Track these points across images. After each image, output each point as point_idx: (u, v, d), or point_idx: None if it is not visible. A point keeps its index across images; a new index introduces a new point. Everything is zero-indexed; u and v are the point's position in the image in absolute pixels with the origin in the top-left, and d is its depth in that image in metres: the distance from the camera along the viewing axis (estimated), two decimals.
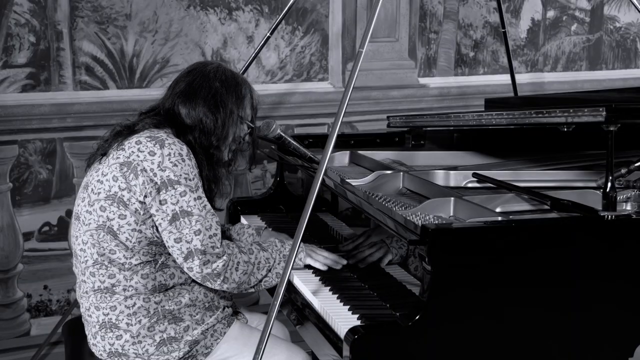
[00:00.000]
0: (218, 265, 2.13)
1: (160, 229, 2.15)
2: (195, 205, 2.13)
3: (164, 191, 2.12)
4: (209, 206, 2.17)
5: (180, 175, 2.13)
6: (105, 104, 3.39)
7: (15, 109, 3.27)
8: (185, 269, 2.15)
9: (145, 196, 2.13)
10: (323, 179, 2.05)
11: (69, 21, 3.31)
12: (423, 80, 4.00)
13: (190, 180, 2.14)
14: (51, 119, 3.33)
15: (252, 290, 2.26)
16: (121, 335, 2.20)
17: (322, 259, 2.35)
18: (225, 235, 2.56)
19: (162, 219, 2.13)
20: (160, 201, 2.12)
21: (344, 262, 2.35)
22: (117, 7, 3.37)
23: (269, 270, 2.26)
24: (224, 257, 2.14)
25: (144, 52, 3.44)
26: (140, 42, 3.43)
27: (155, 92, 3.26)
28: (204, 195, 2.18)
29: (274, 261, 2.27)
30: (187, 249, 2.12)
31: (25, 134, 3.31)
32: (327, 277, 2.32)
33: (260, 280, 2.25)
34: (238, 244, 2.24)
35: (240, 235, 2.57)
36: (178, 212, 2.12)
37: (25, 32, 3.26)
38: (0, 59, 3.24)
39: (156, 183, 2.12)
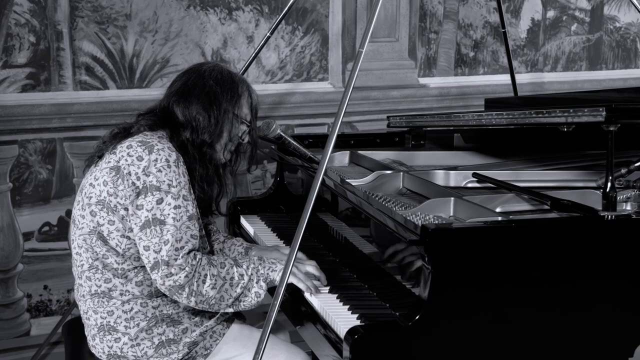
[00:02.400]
0: (180, 277, 2.07)
1: (132, 234, 2.13)
2: (170, 214, 2.09)
3: (142, 196, 2.10)
4: (185, 217, 2.11)
5: (164, 181, 2.11)
6: (105, 104, 3.39)
7: (15, 109, 3.27)
8: (153, 280, 2.12)
9: (126, 199, 2.12)
10: (323, 179, 2.05)
11: (69, 21, 3.31)
12: (423, 80, 4.00)
13: (172, 187, 2.11)
14: (51, 119, 3.33)
15: (231, 310, 2.18)
16: (119, 338, 2.19)
17: (303, 277, 2.21)
18: (215, 247, 2.53)
19: (134, 223, 2.11)
20: (137, 206, 2.11)
21: (319, 274, 2.24)
22: (117, 7, 3.37)
23: (245, 288, 2.17)
24: (187, 269, 2.08)
25: (144, 52, 3.44)
26: (140, 42, 3.43)
27: (155, 92, 3.27)
28: (187, 204, 2.13)
29: (249, 279, 2.18)
30: (154, 259, 2.08)
31: (25, 134, 3.31)
32: (327, 277, 2.31)
33: (237, 299, 2.16)
34: (210, 257, 2.17)
35: (230, 252, 2.51)
36: (150, 219, 2.09)
37: (25, 32, 3.26)
38: (0, 59, 3.24)
39: (137, 187, 2.11)
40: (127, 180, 2.11)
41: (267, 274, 2.22)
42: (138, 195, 2.11)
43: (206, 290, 2.12)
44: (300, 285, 2.22)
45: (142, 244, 2.10)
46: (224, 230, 3.07)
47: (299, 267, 2.25)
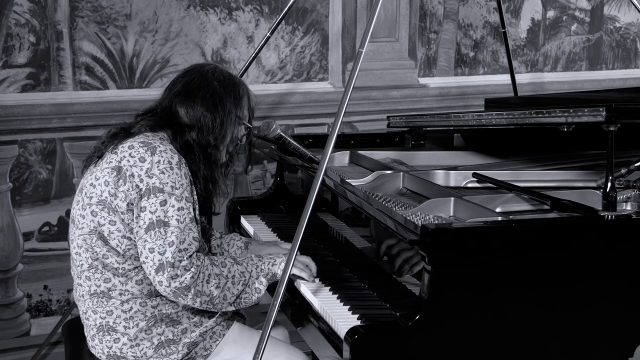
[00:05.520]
0: (186, 278, 2.08)
1: (136, 237, 2.12)
2: (174, 216, 2.10)
3: (145, 198, 2.10)
4: (189, 219, 2.13)
5: (167, 183, 2.11)
6: (105, 104, 3.39)
7: (15, 109, 3.27)
8: (156, 284, 2.10)
9: (131, 203, 2.12)
10: (323, 179, 2.05)
11: (69, 21, 3.31)
12: (423, 80, 4.00)
13: (175, 189, 2.11)
14: (51, 119, 3.33)
15: (232, 308, 2.20)
16: (119, 338, 2.19)
17: (302, 266, 2.28)
18: (212, 244, 2.55)
19: (139, 226, 2.10)
20: (140, 208, 2.10)
21: (311, 264, 2.29)
22: (117, 7, 3.37)
23: (246, 285, 2.20)
24: (192, 269, 2.09)
25: (144, 52, 3.44)
26: (140, 42, 3.43)
27: (155, 92, 3.24)
28: (189, 205, 2.14)
29: (250, 275, 2.22)
30: (159, 260, 2.08)
31: (25, 134, 3.31)
32: (327, 277, 2.32)
33: (238, 296, 2.19)
34: (210, 257, 2.19)
35: (229, 247, 2.53)
36: (155, 221, 2.09)
37: (25, 32, 3.26)
38: (0, 59, 3.24)
39: (141, 190, 2.11)
40: (131, 182, 2.11)
41: (268, 268, 2.26)
42: (141, 198, 2.11)
43: (210, 290, 2.13)
44: (303, 275, 2.28)
45: (147, 247, 2.09)
46: (224, 230, 3.07)
47: (297, 258, 2.28)
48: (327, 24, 3.75)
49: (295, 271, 2.28)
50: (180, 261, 2.08)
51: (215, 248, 2.54)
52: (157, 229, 2.08)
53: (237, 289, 2.19)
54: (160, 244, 2.08)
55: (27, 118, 3.30)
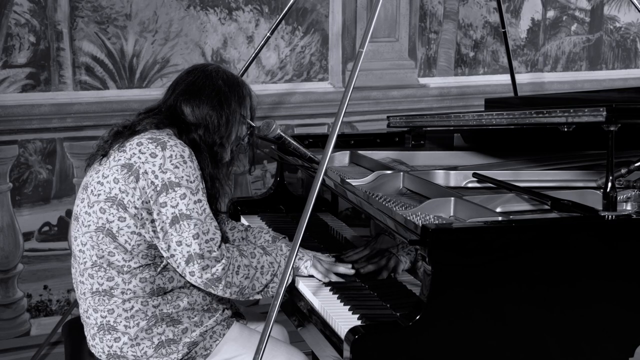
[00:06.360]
0: (217, 270, 2.11)
1: (161, 233, 2.13)
2: (194, 208, 2.12)
3: (164, 194, 2.11)
4: (208, 210, 2.16)
5: (182, 177, 2.12)
6: (105, 104, 3.39)
7: (15, 109, 3.27)
8: (187, 275, 2.12)
9: (146, 201, 2.12)
10: (323, 179, 2.05)
11: (69, 21, 3.31)
12: (423, 80, 4.00)
13: (191, 182, 2.13)
14: (51, 119, 3.33)
15: (259, 296, 2.23)
16: (119, 337, 2.19)
17: (324, 271, 2.30)
18: (236, 236, 2.55)
19: (163, 222, 2.12)
20: (160, 204, 2.11)
21: (351, 272, 2.29)
22: (117, 7, 3.37)
23: (274, 275, 2.23)
24: (223, 261, 2.12)
25: (144, 52, 3.44)
26: (140, 42, 3.43)
27: (155, 92, 3.27)
28: (204, 198, 2.16)
29: (278, 265, 2.24)
30: (187, 252, 2.10)
31: (25, 134, 3.31)
32: None
33: (266, 286, 2.22)
34: (240, 248, 2.22)
35: (256, 239, 2.52)
36: (178, 215, 2.11)
37: (25, 32, 3.26)
38: (0, 59, 3.24)
39: (157, 186, 2.11)
40: (145, 179, 2.12)
41: (296, 261, 2.30)
42: (159, 194, 2.11)
43: (240, 281, 2.16)
44: (319, 276, 2.30)
45: (175, 240, 2.11)
46: None
47: (322, 263, 2.31)
48: (327, 24, 3.75)
49: (314, 272, 2.30)
50: (210, 252, 2.11)
51: (239, 240, 2.54)
52: (180, 222, 2.10)
53: (266, 279, 2.22)
54: (186, 236, 2.10)
55: (27, 118, 3.30)
